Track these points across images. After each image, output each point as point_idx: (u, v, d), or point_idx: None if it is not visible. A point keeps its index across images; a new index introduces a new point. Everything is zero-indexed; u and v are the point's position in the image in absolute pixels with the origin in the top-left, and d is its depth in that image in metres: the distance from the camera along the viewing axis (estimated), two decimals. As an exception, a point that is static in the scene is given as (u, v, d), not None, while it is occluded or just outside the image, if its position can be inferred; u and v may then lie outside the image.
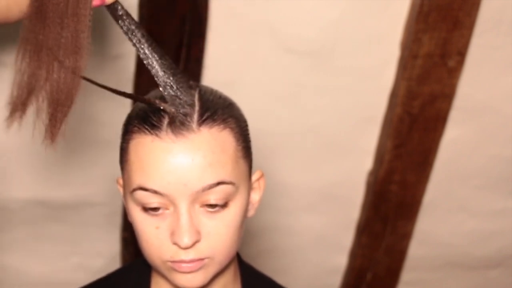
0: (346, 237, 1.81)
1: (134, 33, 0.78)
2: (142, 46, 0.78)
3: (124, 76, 1.45)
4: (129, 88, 1.45)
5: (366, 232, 1.75)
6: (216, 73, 1.46)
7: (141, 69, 1.42)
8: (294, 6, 1.39)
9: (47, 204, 1.60)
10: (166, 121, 0.77)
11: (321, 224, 1.77)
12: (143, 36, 0.78)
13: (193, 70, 1.43)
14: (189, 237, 0.76)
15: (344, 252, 1.84)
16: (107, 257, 1.74)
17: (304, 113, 1.56)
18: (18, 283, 1.75)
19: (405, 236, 1.78)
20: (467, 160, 1.69)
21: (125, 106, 1.49)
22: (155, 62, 0.78)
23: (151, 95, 0.83)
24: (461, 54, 1.45)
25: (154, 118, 0.77)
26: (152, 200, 0.78)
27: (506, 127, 1.64)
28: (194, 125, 0.77)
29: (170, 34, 1.36)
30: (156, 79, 0.78)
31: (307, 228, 1.78)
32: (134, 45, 0.78)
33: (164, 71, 0.78)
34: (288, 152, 1.62)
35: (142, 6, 1.33)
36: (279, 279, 1.00)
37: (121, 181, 0.86)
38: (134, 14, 1.35)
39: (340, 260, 1.86)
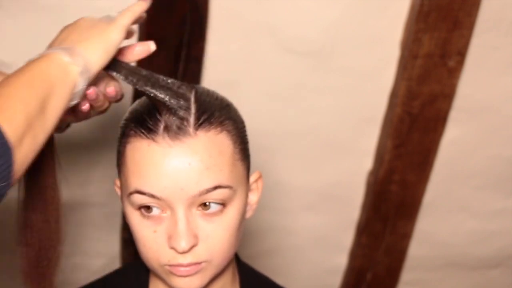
0: (346, 237, 1.81)
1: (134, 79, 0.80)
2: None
3: (124, 76, 1.45)
4: (128, 88, 1.45)
5: (366, 232, 1.75)
6: (216, 73, 1.46)
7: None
8: (294, 6, 1.39)
9: (47, 204, 1.60)
10: (162, 125, 0.76)
11: (321, 224, 1.77)
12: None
13: (193, 70, 1.43)
14: (186, 242, 0.76)
15: (344, 252, 1.84)
16: (107, 257, 1.74)
17: (304, 113, 1.56)
18: (18, 283, 1.74)
19: (405, 236, 1.78)
20: (467, 160, 1.69)
21: (124, 107, 1.49)
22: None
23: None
24: (461, 54, 1.45)
25: (151, 122, 0.76)
26: (149, 204, 0.77)
27: (506, 127, 1.64)
28: (191, 129, 0.76)
29: (170, 34, 1.36)
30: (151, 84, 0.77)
31: (307, 228, 1.78)
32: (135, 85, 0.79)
33: (157, 78, 0.78)
34: (288, 152, 1.62)
35: (142, 6, 1.33)
36: (279, 279, 1.00)
37: (118, 183, 0.86)
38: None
39: (340, 260, 1.86)
